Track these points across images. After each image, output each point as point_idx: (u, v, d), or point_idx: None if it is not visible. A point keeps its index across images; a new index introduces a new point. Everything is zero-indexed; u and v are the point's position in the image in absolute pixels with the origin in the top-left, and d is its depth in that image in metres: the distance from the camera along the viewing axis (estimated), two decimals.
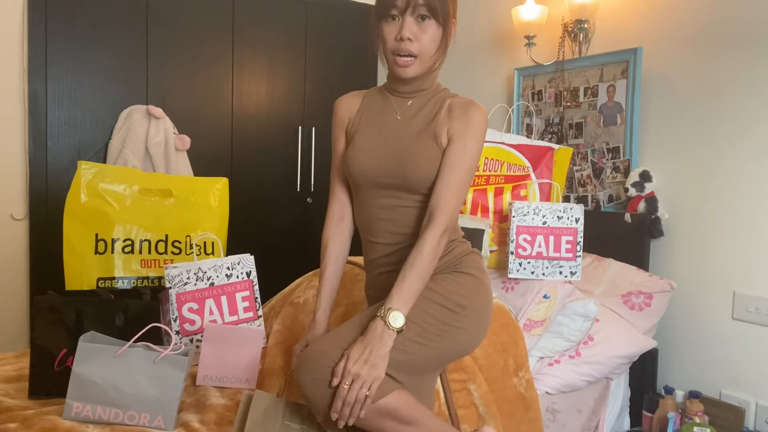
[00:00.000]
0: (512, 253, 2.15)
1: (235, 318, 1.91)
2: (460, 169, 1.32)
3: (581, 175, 2.69)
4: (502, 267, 2.27)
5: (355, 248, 1.55)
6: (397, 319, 1.22)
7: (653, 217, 2.38)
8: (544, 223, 2.16)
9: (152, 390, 1.40)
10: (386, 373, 1.19)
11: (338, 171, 1.49)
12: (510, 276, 2.16)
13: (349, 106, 1.46)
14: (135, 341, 1.41)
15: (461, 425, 1.59)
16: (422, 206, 1.36)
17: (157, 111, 2.87)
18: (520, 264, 2.15)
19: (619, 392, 2.24)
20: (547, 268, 2.15)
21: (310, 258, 2.85)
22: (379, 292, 1.42)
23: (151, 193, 2.10)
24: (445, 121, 1.34)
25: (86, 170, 2.01)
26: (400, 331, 1.22)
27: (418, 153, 1.33)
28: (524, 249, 2.15)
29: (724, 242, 2.24)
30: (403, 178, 1.34)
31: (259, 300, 1.97)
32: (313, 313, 1.46)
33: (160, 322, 1.55)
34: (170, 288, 1.84)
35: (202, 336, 1.77)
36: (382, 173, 1.36)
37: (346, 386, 1.14)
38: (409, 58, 1.28)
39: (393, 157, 1.34)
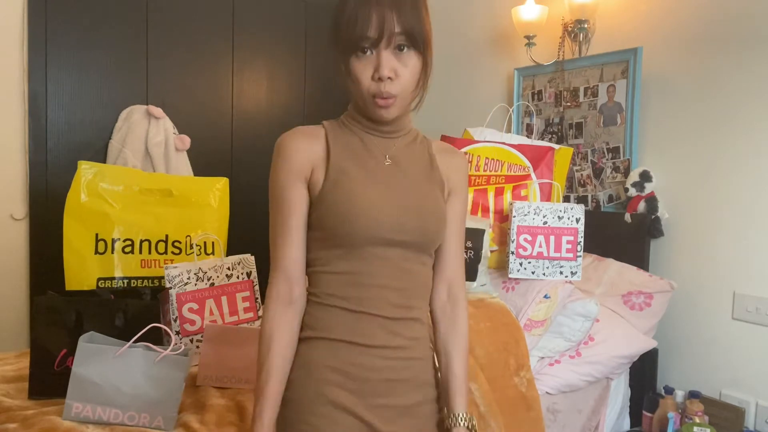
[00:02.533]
0: (513, 253, 2.15)
1: (235, 318, 1.91)
2: (463, 224, 1.21)
3: (581, 175, 2.69)
4: (502, 267, 2.26)
5: None
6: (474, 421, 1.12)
7: (653, 217, 2.38)
8: (545, 223, 2.16)
9: (152, 390, 1.39)
10: None
11: (290, 232, 1.10)
12: (510, 276, 2.16)
13: (307, 147, 1.12)
14: (135, 341, 1.41)
15: None
16: (426, 270, 1.16)
17: (157, 111, 2.87)
18: (521, 264, 2.15)
19: (619, 392, 2.24)
20: (547, 268, 2.15)
21: None
22: (378, 373, 1.09)
23: (151, 193, 2.10)
24: (443, 170, 1.18)
25: (86, 170, 2.01)
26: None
27: (435, 206, 1.14)
28: (525, 249, 2.15)
29: (724, 242, 2.24)
30: (424, 234, 1.11)
31: (259, 300, 1.97)
32: (255, 417, 1.06)
33: (160, 323, 1.55)
34: (170, 288, 1.84)
35: (202, 336, 1.77)
36: (399, 228, 1.08)
37: None
38: (390, 99, 1.05)
39: (410, 210, 1.10)
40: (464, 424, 1.10)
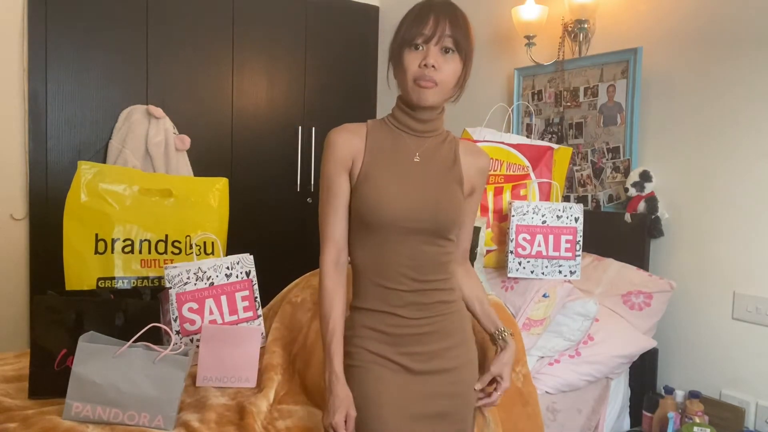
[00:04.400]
0: (512, 252, 2.15)
1: (234, 318, 1.91)
2: (474, 215, 1.48)
3: (581, 175, 2.69)
4: (501, 266, 2.27)
5: None
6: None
7: (653, 217, 2.38)
8: (544, 222, 2.16)
9: (152, 390, 1.40)
10: None
11: (336, 211, 1.34)
12: (509, 275, 2.16)
13: (350, 142, 1.33)
14: (135, 341, 1.41)
15: None
16: (442, 252, 1.36)
17: (157, 111, 2.87)
18: (520, 263, 2.15)
19: (619, 392, 2.24)
20: (546, 267, 2.15)
21: (309, 258, 2.84)
22: (407, 329, 1.34)
23: (151, 193, 2.10)
24: (466, 169, 1.38)
25: (86, 170, 2.01)
26: None
27: (451, 199, 1.34)
28: (524, 248, 2.15)
29: (724, 242, 2.24)
30: (437, 223, 1.32)
31: (258, 300, 1.97)
32: (331, 372, 1.29)
33: (160, 322, 1.55)
34: (170, 288, 1.84)
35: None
36: (414, 218, 1.30)
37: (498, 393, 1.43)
38: (431, 83, 1.26)
39: (428, 202, 1.31)
40: (507, 331, 1.46)
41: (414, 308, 1.33)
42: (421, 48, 1.26)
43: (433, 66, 1.24)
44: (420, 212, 1.30)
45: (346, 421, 1.25)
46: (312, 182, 3.44)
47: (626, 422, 2.30)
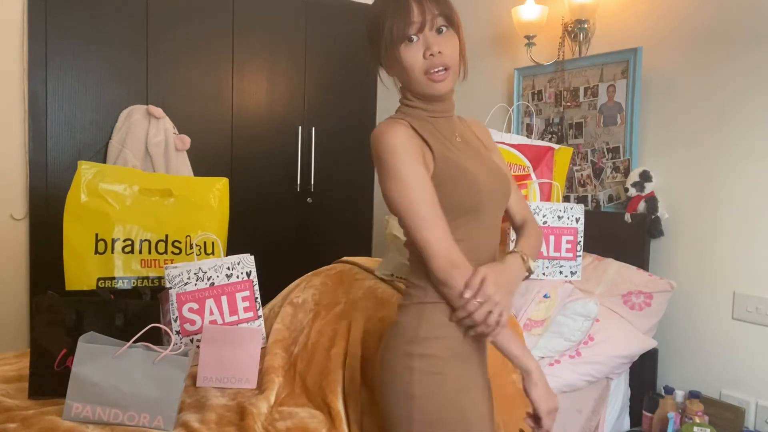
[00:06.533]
0: None
1: (235, 318, 1.91)
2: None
3: (581, 175, 2.69)
4: None
5: (357, 250, 1.52)
6: (529, 262, 1.26)
7: (653, 217, 2.38)
8: (545, 222, 2.16)
9: (152, 390, 1.39)
10: None
11: (437, 208, 1.19)
12: None
13: (413, 137, 1.23)
14: (135, 341, 1.41)
15: None
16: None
17: (157, 111, 2.87)
18: None
19: (619, 392, 2.24)
20: (547, 267, 2.15)
21: (310, 258, 2.85)
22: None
23: (151, 193, 2.10)
24: (485, 141, 1.39)
25: (86, 170, 2.01)
26: (528, 275, 1.27)
27: (501, 170, 1.34)
28: None
29: (724, 242, 2.24)
30: (506, 194, 1.33)
31: (259, 300, 1.97)
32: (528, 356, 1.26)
33: (160, 323, 1.55)
34: (170, 288, 1.84)
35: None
36: (498, 189, 1.29)
37: (477, 302, 1.14)
38: (443, 72, 1.19)
39: (497, 175, 1.30)
40: (519, 252, 1.27)
41: None
42: (416, 38, 1.18)
43: (439, 52, 1.18)
44: (498, 186, 1.28)
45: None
46: (312, 182, 3.44)
47: (626, 422, 2.30)
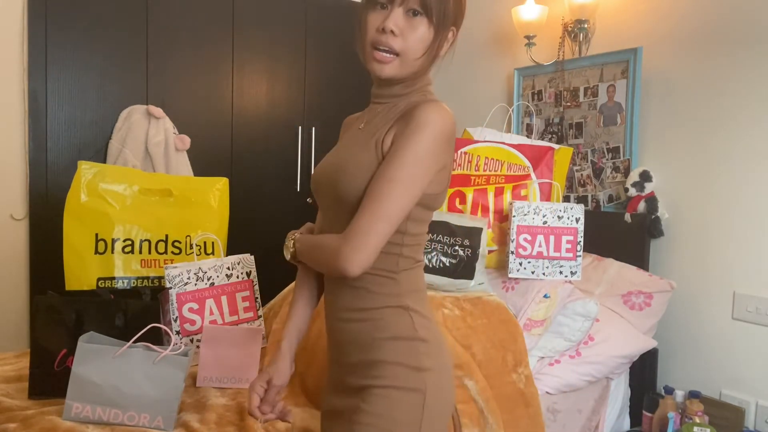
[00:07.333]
0: (512, 252, 2.15)
1: (235, 318, 1.91)
2: (384, 179, 1.03)
3: (581, 175, 2.69)
4: (502, 267, 2.26)
5: None
6: (292, 248, 1.18)
7: (653, 217, 2.38)
8: (545, 222, 2.16)
9: (152, 390, 1.40)
10: None
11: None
12: (510, 276, 2.16)
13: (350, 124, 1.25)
14: (135, 341, 1.41)
15: (461, 419, 1.60)
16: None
17: (157, 111, 2.87)
18: (521, 264, 2.15)
19: (619, 392, 2.24)
20: (547, 267, 2.15)
21: None
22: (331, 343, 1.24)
23: (151, 193, 2.10)
24: (395, 126, 1.09)
25: (86, 170, 2.01)
26: (289, 258, 1.21)
27: (351, 159, 1.10)
28: (524, 249, 2.15)
29: (724, 242, 2.24)
30: (334, 187, 1.10)
31: (259, 300, 1.97)
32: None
33: (160, 323, 1.55)
34: (170, 288, 1.84)
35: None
36: (326, 184, 1.14)
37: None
38: (388, 55, 1.07)
39: (332, 167, 1.13)
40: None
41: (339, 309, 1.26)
42: (385, 8, 1.07)
43: (392, 31, 1.04)
44: (326, 176, 1.13)
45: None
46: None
47: (626, 422, 2.30)
